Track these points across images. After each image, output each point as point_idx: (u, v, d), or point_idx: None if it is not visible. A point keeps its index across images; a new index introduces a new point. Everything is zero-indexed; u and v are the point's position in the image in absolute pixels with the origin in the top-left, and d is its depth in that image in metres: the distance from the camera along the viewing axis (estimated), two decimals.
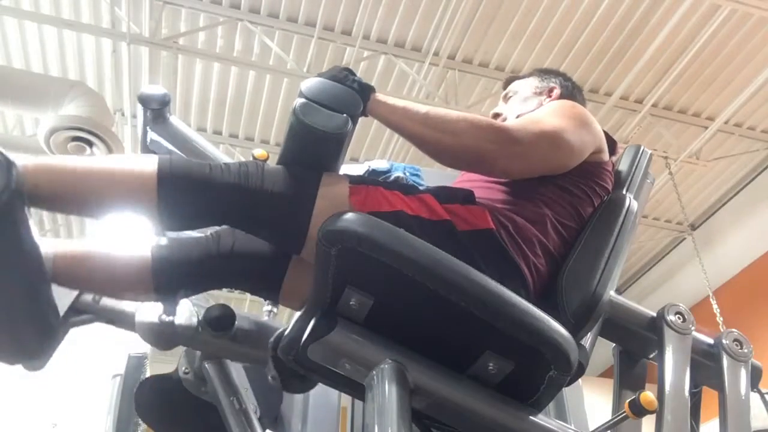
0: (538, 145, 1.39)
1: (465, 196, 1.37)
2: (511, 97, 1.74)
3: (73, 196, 1.23)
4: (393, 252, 1.12)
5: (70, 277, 1.33)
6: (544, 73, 1.77)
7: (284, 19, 5.02)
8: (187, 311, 1.51)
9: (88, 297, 1.45)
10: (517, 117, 1.63)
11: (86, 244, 1.38)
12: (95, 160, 1.29)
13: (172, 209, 1.24)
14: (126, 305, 1.50)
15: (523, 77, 1.78)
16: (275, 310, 1.82)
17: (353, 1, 4.85)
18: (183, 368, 1.71)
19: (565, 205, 1.45)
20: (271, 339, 1.35)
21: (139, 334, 1.51)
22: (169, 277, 1.35)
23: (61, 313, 1.32)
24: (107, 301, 1.47)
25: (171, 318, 1.48)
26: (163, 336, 1.50)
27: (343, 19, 4.99)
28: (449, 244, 1.20)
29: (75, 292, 1.42)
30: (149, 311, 1.49)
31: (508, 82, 1.80)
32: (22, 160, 1.17)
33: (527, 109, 1.65)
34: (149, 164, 1.24)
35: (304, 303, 1.24)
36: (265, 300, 1.67)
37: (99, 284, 1.39)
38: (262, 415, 1.74)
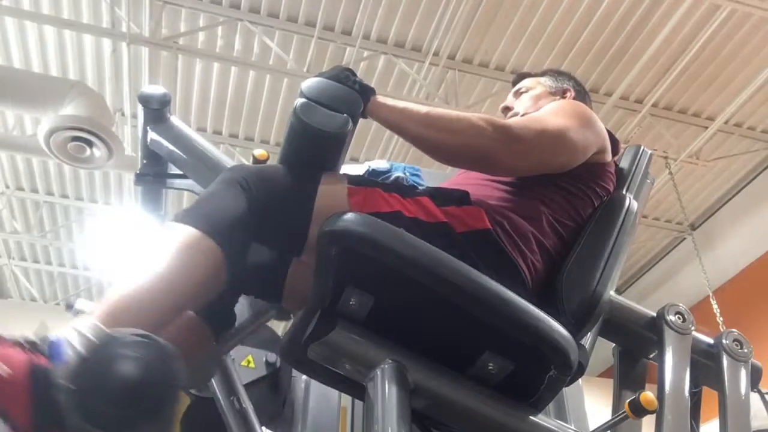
0: (540, 143, 1.38)
1: (461, 198, 1.36)
2: (523, 93, 1.73)
3: (159, 319, 1.09)
4: (393, 252, 1.11)
5: None
6: (558, 74, 1.76)
7: (284, 19, 5.02)
8: None
9: None
10: (522, 115, 1.62)
11: None
12: (150, 270, 1.11)
13: (235, 251, 1.18)
14: None
15: (536, 75, 1.77)
16: None
17: (353, 1, 4.85)
18: None
19: (564, 204, 1.45)
20: (273, 311, 1.35)
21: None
22: (219, 312, 1.35)
23: None
24: None
25: None
26: (193, 369, 1.47)
27: (343, 19, 4.99)
28: (447, 246, 1.19)
29: None
30: None
31: (520, 77, 1.79)
32: (96, 313, 1.01)
33: (539, 108, 1.62)
34: (186, 234, 1.13)
35: (304, 303, 1.24)
36: (267, 302, 1.67)
37: None
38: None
